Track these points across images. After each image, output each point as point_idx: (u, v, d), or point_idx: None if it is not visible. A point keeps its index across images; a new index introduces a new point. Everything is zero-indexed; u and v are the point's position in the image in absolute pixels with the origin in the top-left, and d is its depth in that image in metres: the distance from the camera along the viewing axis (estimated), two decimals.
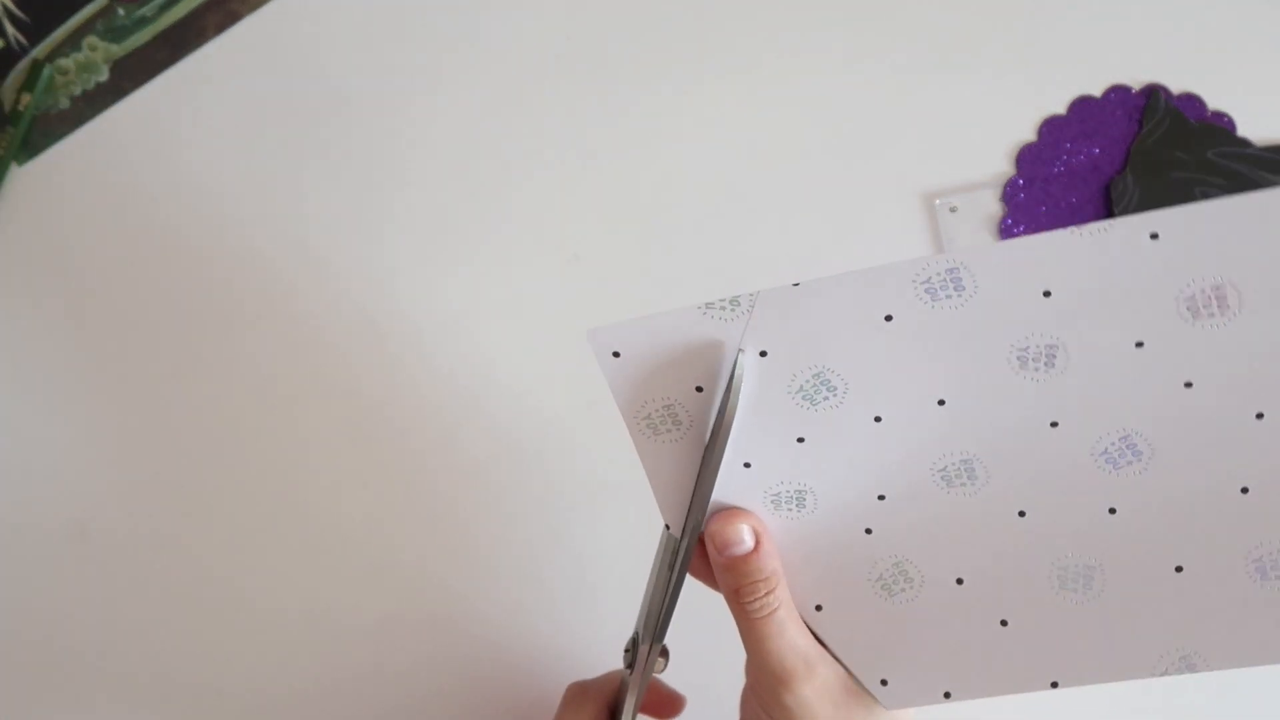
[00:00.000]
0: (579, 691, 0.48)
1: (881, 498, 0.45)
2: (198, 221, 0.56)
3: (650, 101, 0.57)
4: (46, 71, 0.55)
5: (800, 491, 0.45)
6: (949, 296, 0.42)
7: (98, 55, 0.56)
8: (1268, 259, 0.40)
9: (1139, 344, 0.42)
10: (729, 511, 0.45)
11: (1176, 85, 0.55)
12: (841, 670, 0.44)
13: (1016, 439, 0.43)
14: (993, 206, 0.55)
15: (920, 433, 0.44)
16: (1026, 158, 0.55)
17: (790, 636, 0.44)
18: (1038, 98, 0.55)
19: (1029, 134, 0.55)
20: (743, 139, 0.56)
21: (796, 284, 0.43)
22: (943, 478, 0.44)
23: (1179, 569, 0.42)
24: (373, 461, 0.55)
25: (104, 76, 0.56)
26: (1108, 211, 0.55)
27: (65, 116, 0.56)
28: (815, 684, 0.43)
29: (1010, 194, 0.55)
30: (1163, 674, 0.42)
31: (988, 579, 0.44)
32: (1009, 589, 0.44)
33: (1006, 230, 0.55)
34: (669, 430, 0.44)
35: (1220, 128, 0.54)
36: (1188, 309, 0.41)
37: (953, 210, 0.55)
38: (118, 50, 0.56)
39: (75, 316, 0.56)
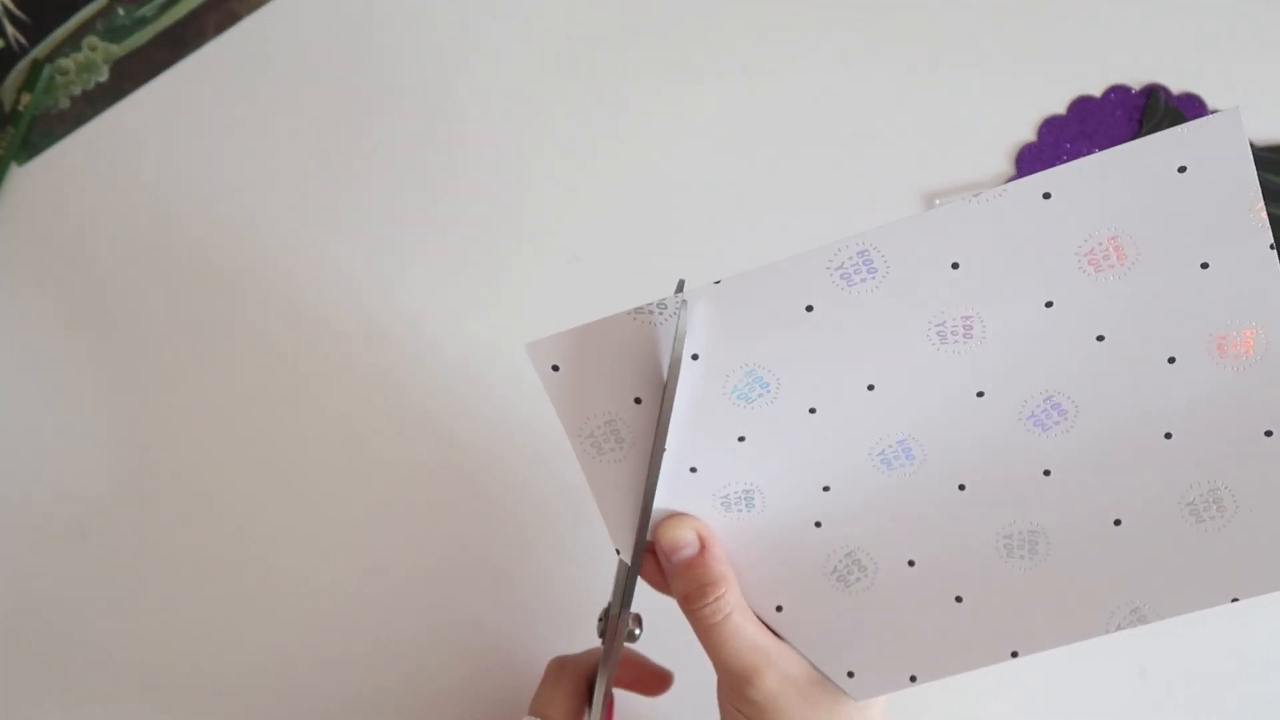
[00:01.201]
0: (558, 666, 0.48)
1: (826, 489, 0.45)
2: (197, 221, 0.56)
3: (650, 102, 0.57)
4: (46, 71, 0.55)
5: (748, 491, 0.45)
6: (863, 280, 0.42)
7: (98, 55, 0.56)
8: (1152, 205, 0.41)
9: (1049, 304, 0.42)
10: (675, 517, 0.45)
11: (1176, 85, 0.55)
12: (804, 661, 0.45)
13: (947, 414, 0.43)
14: None
15: (854, 419, 0.44)
16: (1026, 158, 0.55)
17: (746, 636, 0.44)
18: (1038, 98, 0.55)
19: (1029, 134, 0.55)
20: (742, 139, 0.56)
21: (718, 282, 0.43)
22: (882, 461, 0.44)
23: (1118, 522, 0.42)
24: (373, 460, 0.55)
25: (104, 76, 0.56)
26: None
27: (65, 116, 0.56)
28: (777, 677, 0.44)
29: None
30: (1116, 629, 0.43)
31: (937, 557, 0.44)
32: (959, 565, 0.44)
33: None
34: (612, 449, 0.44)
35: None
36: (1089, 263, 0.42)
37: None
38: (118, 50, 0.56)
39: (75, 316, 0.56)
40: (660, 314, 0.43)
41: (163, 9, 0.56)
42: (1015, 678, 0.55)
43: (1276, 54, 0.54)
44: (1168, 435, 0.42)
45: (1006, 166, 0.55)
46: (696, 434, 0.45)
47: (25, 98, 0.55)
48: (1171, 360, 0.42)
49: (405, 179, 0.57)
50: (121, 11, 0.56)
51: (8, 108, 0.55)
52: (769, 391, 0.44)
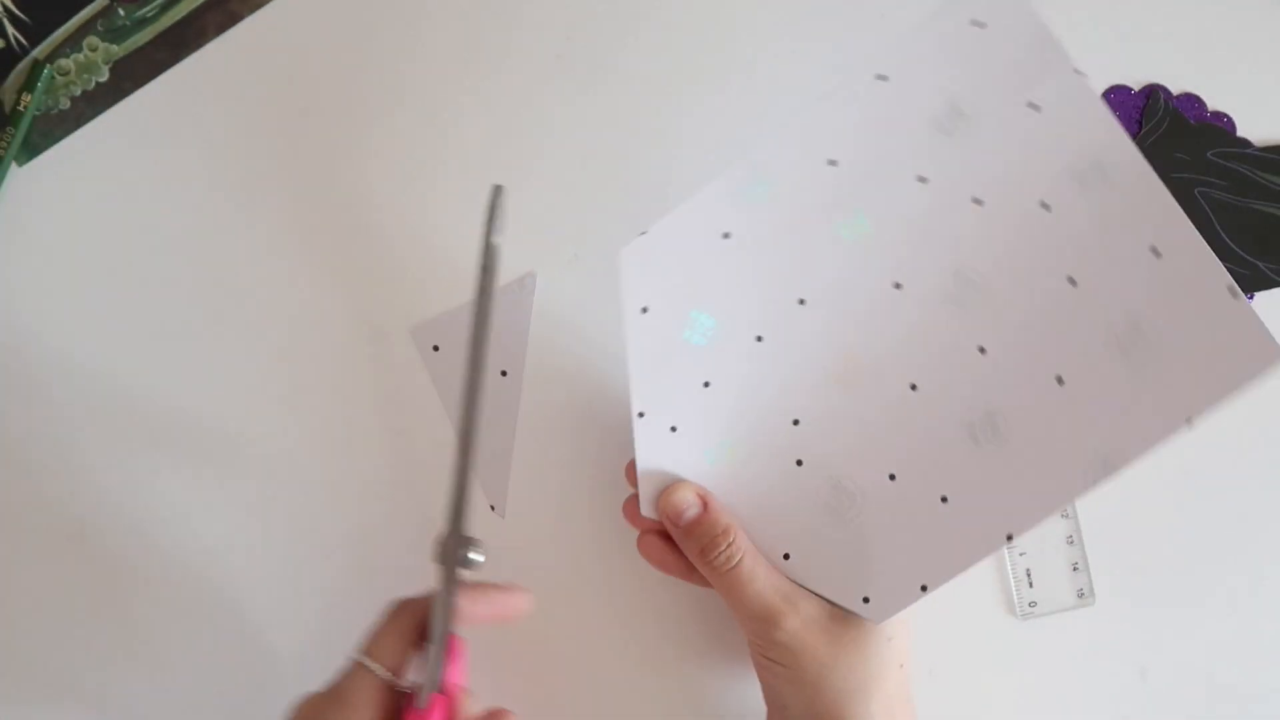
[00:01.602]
0: (399, 603, 0.46)
1: (796, 422, 0.45)
2: (198, 222, 0.56)
3: (649, 101, 0.57)
4: (46, 71, 0.55)
5: (727, 442, 0.45)
6: (760, 195, 0.43)
7: (98, 55, 0.56)
8: (969, 63, 0.42)
9: (921, 179, 0.43)
10: (670, 485, 0.46)
11: (1176, 85, 0.55)
12: (824, 602, 0.46)
13: (874, 314, 0.44)
14: None
15: (798, 340, 0.45)
16: None
17: (763, 578, 0.46)
18: None
19: None
20: (742, 139, 0.56)
21: (644, 232, 0.43)
22: (837, 381, 0.45)
23: (1060, 380, 0.43)
24: (374, 463, 0.55)
25: (104, 76, 0.56)
26: None
27: (65, 116, 0.56)
28: (801, 617, 0.45)
29: None
30: (1094, 484, 0.42)
31: (914, 464, 0.45)
32: (935, 466, 0.45)
33: None
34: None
35: (1220, 128, 0.54)
36: (940, 131, 0.42)
37: None
38: (118, 50, 0.56)
39: (75, 317, 0.56)
40: (519, 289, 0.44)
41: (163, 9, 0.56)
42: (1015, 677, 0.55)
43: (1276, 54, 0.54)
44: (1071, 281, 0.42)
45: None
46: (666, 388, 0.45)
47: (25, 98, 0.55)
48: (1045, 206, 0.42)
49: (406, 180, 0.57)
50: (122, 12, 0.56)
51: (8, 108, 0.55)
52: (717, 327, 0.45)
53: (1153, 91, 0.55)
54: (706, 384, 0.45)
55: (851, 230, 0.44)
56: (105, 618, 0.54)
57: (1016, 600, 0.55)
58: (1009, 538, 0.43)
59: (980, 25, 0.42)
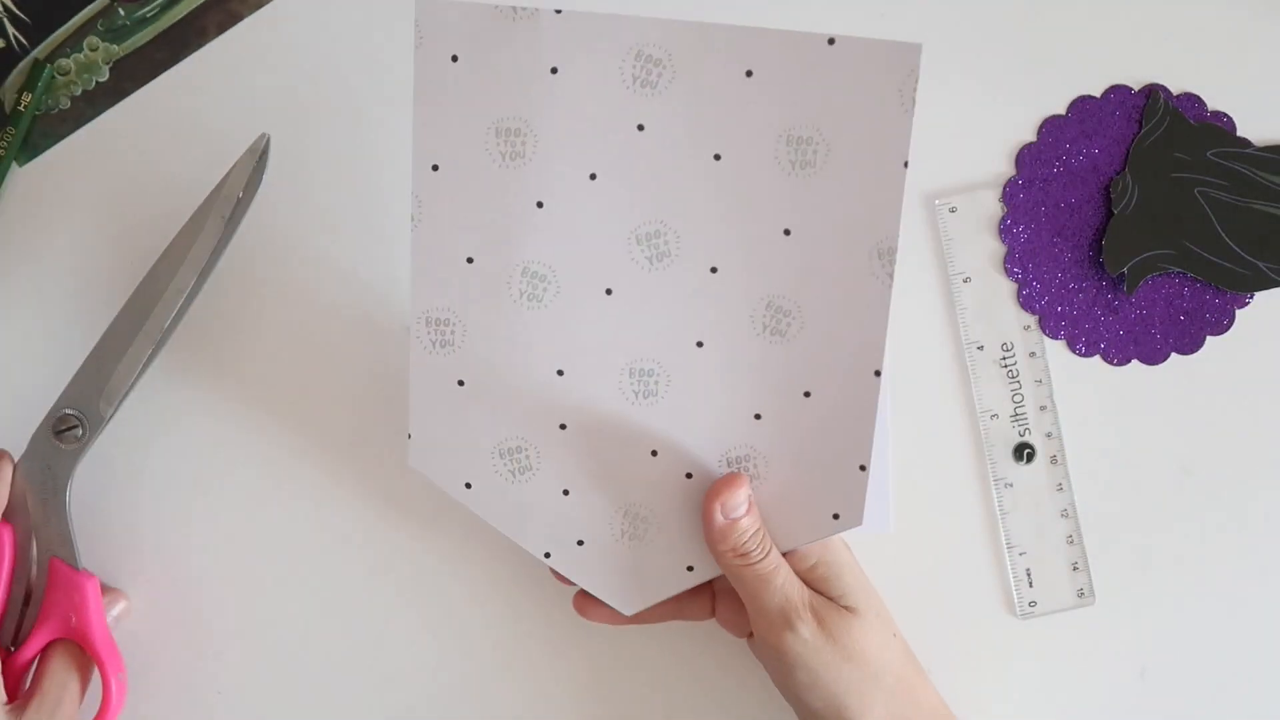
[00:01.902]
0: None
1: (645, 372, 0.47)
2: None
3: None
4: (46, 71, 0.55)
5: (648, 370, 0.48)
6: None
7: (98, 55, 0.56)
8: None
9: (641, 128, 0.45)
10: (728, 478, 0.47)
11: (1176, 85, 0.55)
12: (822, 597, 0.48)
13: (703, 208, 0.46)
14: (993, 207, 0.56)
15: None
16: (1026, 158, 0.55)
17: (785, 573, 0.47)
18: (1038, 98, 0.55)
19: (1029, 134, 0.55)
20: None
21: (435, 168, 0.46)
22: (696, 344, 0.47)
23: (787, 232, 0.46)
24: (373, 463, 0.55)
25: (104, 76, 0.56)
26: (1107, 212, 0.55)
27: (65, 116, 0.56)
28: (817, 611, 0.47)
29: (1010, 194, 0.55)
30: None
31: (762, 380, 0.47)
32: (781, 368, 0.47)
33: (1006, 230, 0.55)
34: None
35: (1220, 128, 0.54)
36: (638, 84, 0.45)
37: (952, 210, 0.55)
38: (118, 50, 0.56)
39: (75, 317, 0.56)
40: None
41: (163, 9, 0.56)
42: (1015, 677, 0.55)
43: (1276, 54, 0.54)
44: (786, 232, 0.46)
45: (1006, 167, 0.56)
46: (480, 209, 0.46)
47: (25, 98, 0.55)
48: (717, 158, 0.45)
49: (406, 179, 0.56)
50: (122, 11, 0.56)
51: (8, 108, 0.55)
52: (547, 286, 0.47)
53: (1153, 91, 0.55)
54: (540, 204, 0.46)
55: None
56: None
57: (1017, 600, 0.55)
58: (877, 373, 0.46)
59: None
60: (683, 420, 0.48)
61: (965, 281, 0.55)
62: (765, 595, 0.47)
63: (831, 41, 0.44)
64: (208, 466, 0.55)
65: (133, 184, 0.56)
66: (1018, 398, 0.55)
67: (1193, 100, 0.55)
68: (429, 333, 0.47)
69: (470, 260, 0.47)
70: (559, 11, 0.44)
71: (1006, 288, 0.56)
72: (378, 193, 0.56)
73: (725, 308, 0.46)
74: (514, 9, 0.44)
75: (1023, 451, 0.55)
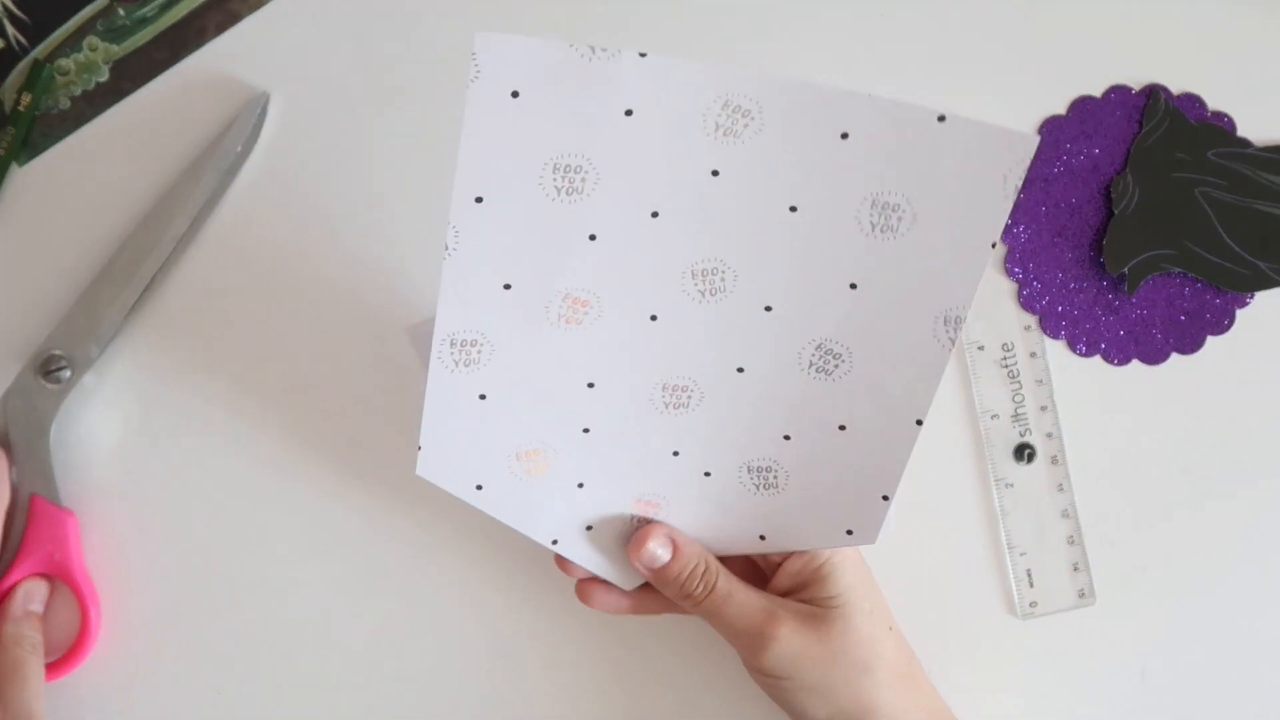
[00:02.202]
0: None
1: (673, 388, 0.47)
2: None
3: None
4: (46, 71, 0.55)
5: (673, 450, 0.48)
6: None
7: (98, 55, 0.56)
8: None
9: (715, 172, 0.43)
10: (645, 531, 0.48)
11: (1176, 85, 0.55)
12: (800, 605, 0.47)
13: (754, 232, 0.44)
14: None
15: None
16: None
17: (740, 595, 0.47)
18: (1038, 98, 0.55)
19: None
20: None
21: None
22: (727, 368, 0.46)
23: (853, 285, 0.44)
24: (371, 463, 0.55)
25: (104, 76, 0.56)
26: (1108, 212, 0.55)
27: (65, 116, 0.56)
28: (788, 624, 0.47)
29: None
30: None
31: (800, 415, 0.46)
32: (818, 404, 0.46)
33: (1006, 230, 0.55)
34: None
35: (1220, 128, 0.54)
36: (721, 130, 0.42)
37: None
38: (118, 50, 0.56)
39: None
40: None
41: (163, 9, 0.56)
42: (1015, 677, 0.55)
43: (1276, 54, 0.54)
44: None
45: None
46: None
47: (25, 98, 0.55)
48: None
49: (405, 179, 0.56)
50: (122, 11, 0.56)
51: (8, 108, 0.55)
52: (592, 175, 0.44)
53: (1153, 91, 0.55)
54: (594, 235, 0.44)
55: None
56: None
57: (1017, 600, 0.55)
58: (918, 422, 0.45)
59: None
60: (709, 430, 0.47)
61: None
62: (727, 625, 0.47)
63: (942, 119, 0.41)
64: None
65: (133, 184, 0.56)
66: (1018, 398, 0.55)
67: (1193, 100, 0.55)
68: (453, 353, 0.45)
69: (508, 287, 0.45)
70: (644, 55, 0.41)
71: (1007, 288, 0.56)
72: (377, 191, 0.56)
73: (773, 342, 0.46)
74: (592, 48, 0.41)
75: (1023, 452, 0.55)
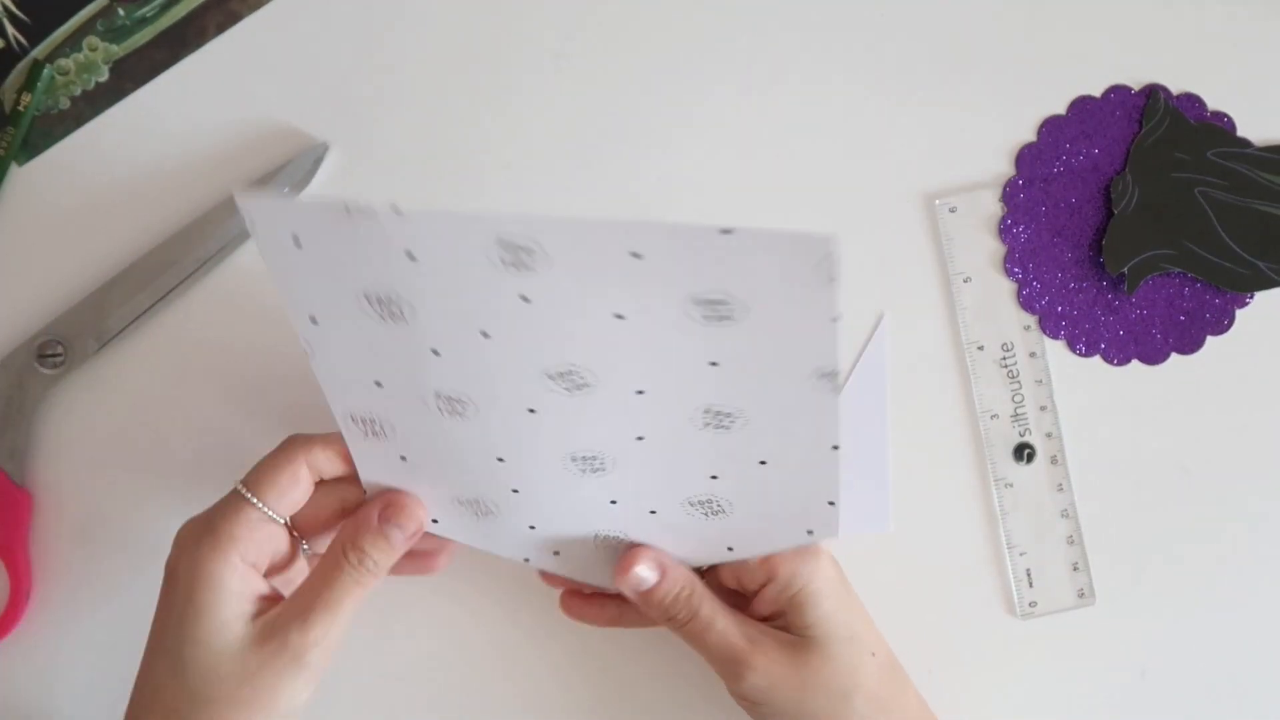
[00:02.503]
0: (288, 440, 0.47)
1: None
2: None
3: (649, 101, 0.57)
4: (46, 71, 0.55)
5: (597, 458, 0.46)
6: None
7: (98, 55, 0.56)
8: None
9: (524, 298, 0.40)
10: (629, 555, 0.48)
11: (1176, 85, 0.55)
12: (781, 634, 0.47)
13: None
14: (993, 207, 0.56)
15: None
16: (1026, 158, 0.55)
17: (723, 622, 0.47)
18: (1038, 98, 0.55)
19: (1029, 134, 0.55)
20: (741, 139, 0.56)
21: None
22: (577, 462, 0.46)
23: (714, 364, 0.42)
24: None
25: (104, 76, 0.56)
26: (1107, 212, 0.55)
27: (65, 116, 0.56)
28: (765, 654, 0.46)
29: (1010, 194, 0.55)
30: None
31: (713, 464, 0.45)
32: (718, 459, 0.45)
33: (1006, 230, 0.55)
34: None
35: (1220, 128, 0.54)
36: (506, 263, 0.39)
37: (952, 211, 0.55)
38: (118, 50, 0.56)
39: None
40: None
41: (163, 9, 0.56)
42: (1015, 677, 0.55)
43: (1276, 54, 0.54)
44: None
45: (1006, 167, 0.56)
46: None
47: (25, 98, 0.55)
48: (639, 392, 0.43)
49: (407, 177, 0.56)
50: (121, 11, 0.56)
51: (8, 108, 0.55)
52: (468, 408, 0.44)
53: (1153, 91, 0.55)
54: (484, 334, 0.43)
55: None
56: None
57: (1017, 600, 0.55)
58: (835, 448, 0.43)
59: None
60: (636, 484, 0.47)
61: (965, 281, 0.55)
62: (708, 649, 0.47)
63: (727, 232, 0.37)
64: (172, 431, 0.55)
65: (133, 184, 0.56)
66: (1018, 398, 0.55)
67: (1193, 100, 0.55)
68: (358, 427, 0.45)
69: (379, 384, 0.44)
70: (398, 212, 0.38)
71: (1006, 288, 0.56)
72: (377, 189, 0.56)
73: (660, 415, 0.44)
74: (345, 207, 0.38)
75: (1023, 452, 0.55)
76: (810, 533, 0.47)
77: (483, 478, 0.47)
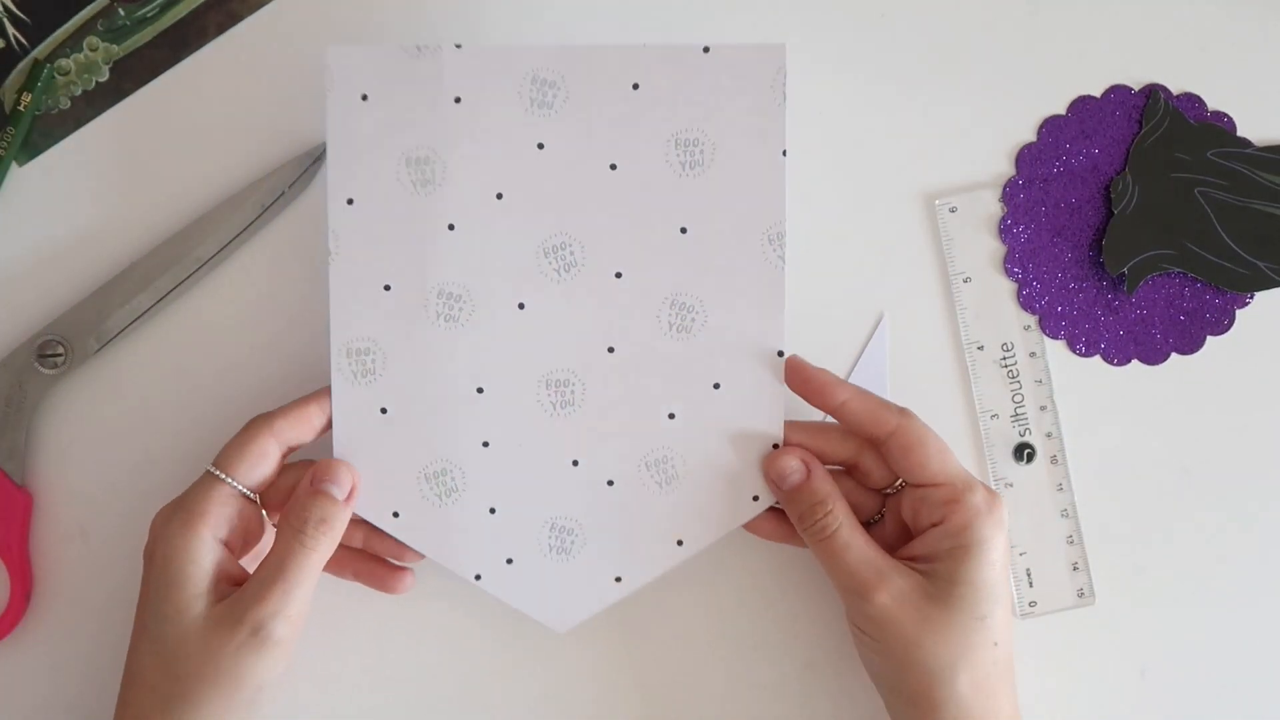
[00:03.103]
0: (255, 419, 0.49)
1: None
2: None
3: None
4: (46, 71, 0.55)
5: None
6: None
7: (98, 55, 0.56)
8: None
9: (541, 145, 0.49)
10: (782, 450, 0.49)
11: (1176, 85, 0.55)
12: (917, 577, 0.47)
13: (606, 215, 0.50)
14: (993, 206, 0.56)
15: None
16: (1026, 158, 0.55)
17: (857, 549, 0.47)
18: (1038, 98, 0.55)
19: (1029, 134, 0.55)
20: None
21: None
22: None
23: (683, 230, 0.50)
24: None
25: (104, 76, 0.56)
26: (1107, 212, 0.55)
27: (65, 116, 0.56)
28: (890, 592, 0.46)
29: (1010, 194, 0.55)
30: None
31: (672, 393, 0.50)
32: (678, 386, 0.50)
33: (1006, 230, 0.55)
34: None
35: (1220, 128, 0.54)
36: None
37: (952, 210, 0.55)
38: (118, 50, 0.56)
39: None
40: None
41: (163, 9, 0.56)
42: (1016, 678, 0.55)
43: (1276, 54, 0.54)
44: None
45: (1006, 167, 0.56)
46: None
47: (25, 98, 0.55)
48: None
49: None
50: (122, 12, 0.56)
51: (8, 108, 0.55)
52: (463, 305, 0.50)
53: (1153, 91, 0.54)
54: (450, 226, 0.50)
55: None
56: None
57: (1017, 600, 0.55)
58: (780, 354, 0.49)
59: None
60: (600, 428, 0.50)
61: (965, 281, 0.55)
62: (835, 570, 0.47)
63: (706, 50, 0.48)
64: (168, 429, 0.56)
65: (133, 185, 0.56)
66: (1018, 398, 0.55)
67: (1193, 100, 0.55)
68: (350, 363, 0.50)
69: (387, 288, 0.49)
70: (459, 46, 0.49)
71: (1006, 288, 0.56)
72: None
73: (631, 311, 0.49)
74: (417, 47, 0.49)
75: (1023, 451, 0.55)
76: (756, 499, 0.50)
77: (458, 423, 0.50)
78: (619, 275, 0.49)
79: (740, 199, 0.49)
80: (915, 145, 0.56)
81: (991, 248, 0.56)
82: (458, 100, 0.49)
